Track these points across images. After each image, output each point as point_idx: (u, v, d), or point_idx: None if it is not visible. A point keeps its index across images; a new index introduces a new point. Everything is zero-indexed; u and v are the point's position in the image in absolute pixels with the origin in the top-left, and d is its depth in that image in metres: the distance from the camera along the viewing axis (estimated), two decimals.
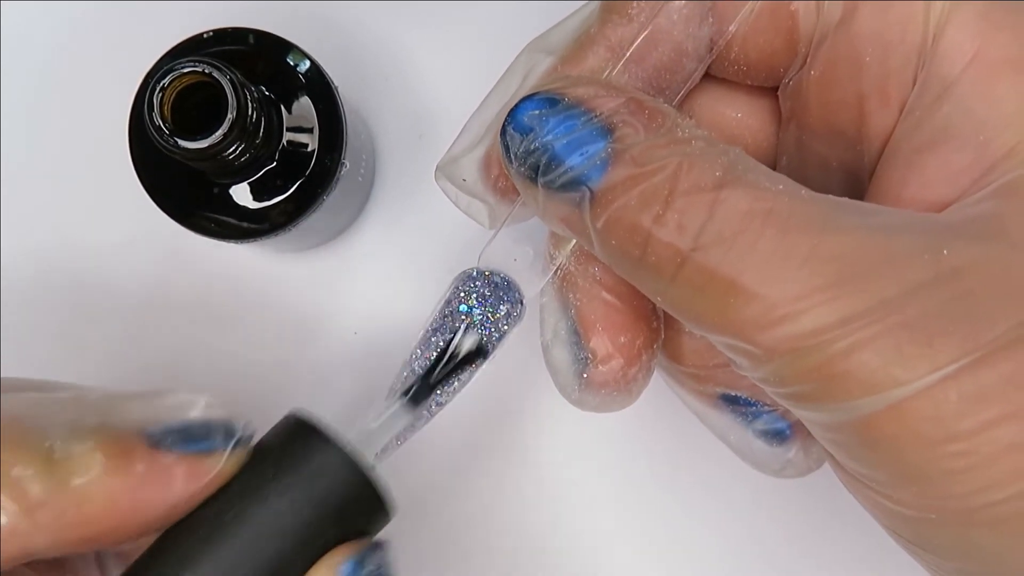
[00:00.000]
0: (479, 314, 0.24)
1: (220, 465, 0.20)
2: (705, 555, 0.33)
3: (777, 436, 0.24)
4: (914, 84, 0.21)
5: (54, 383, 0.24)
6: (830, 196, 0.19)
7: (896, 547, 0.21)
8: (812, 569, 0.33)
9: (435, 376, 0.24)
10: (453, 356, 0.24)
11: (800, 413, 0.19)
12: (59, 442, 0.19)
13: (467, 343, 0.24)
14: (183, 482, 0.20)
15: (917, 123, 0.21)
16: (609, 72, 0.22)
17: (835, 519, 0.32)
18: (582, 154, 0.19)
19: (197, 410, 0.20)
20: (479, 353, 0.24)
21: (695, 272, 0.18)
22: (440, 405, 0.25)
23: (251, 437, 0.21)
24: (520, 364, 0.31)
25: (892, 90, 0.21)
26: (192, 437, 0.20)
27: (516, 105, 0.20)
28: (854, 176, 0.23)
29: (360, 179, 0.33)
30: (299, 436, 0.21)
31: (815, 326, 0.17)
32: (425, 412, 0.25)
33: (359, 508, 0.21)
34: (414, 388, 0.24)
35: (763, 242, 0.18)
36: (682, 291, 0.19)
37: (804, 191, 0.19)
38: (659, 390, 0.26)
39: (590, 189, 0.19)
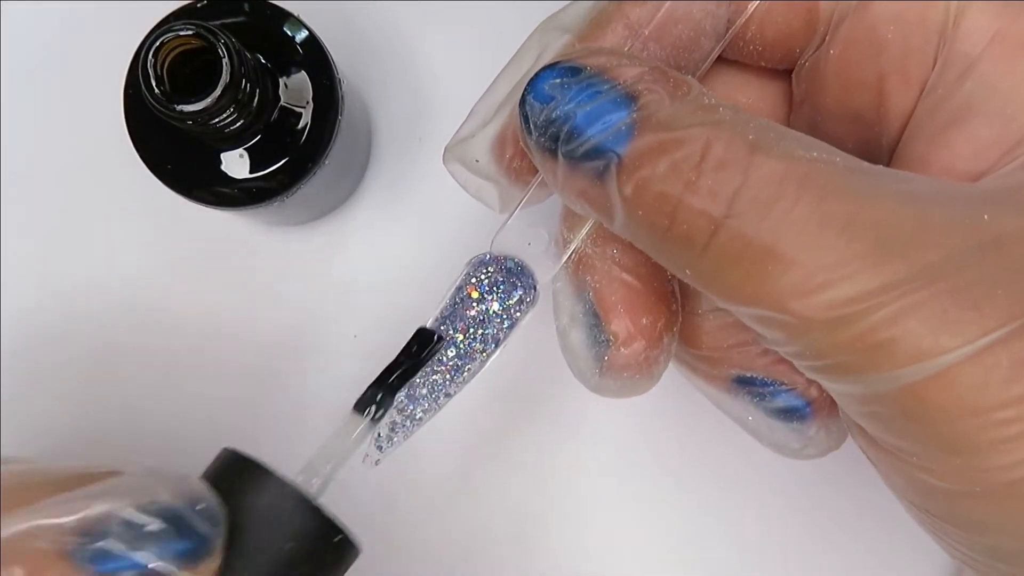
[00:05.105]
0: (492, 300, 0.23)
1: None
2: (719, 547, 0.33)
3: (796, 414, 0.23)
4: (934, 64, 0.21)
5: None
6: (865, 163, 0.19)
7: (910, 538, 0.20)
8: (826, 560, 0.33)
9: (390, 382, 0.22)
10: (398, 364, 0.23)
11: (834, 387, 0.19)
12: None
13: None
14: None
15: (940, 101, 0.21)
16: (628, 49, 0.22)
17: (854, 509, 0.32)
18: (605, 122, 0.19)
19: (132, 513, 0.18)
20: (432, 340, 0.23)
21: (729, 240, 0.18)
22: (449, 396, 0.24)
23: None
24: (533, 352, 0.30)
25: (912, 69, 0.21)
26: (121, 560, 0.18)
27: (537, 74, 0.20)
28: (870, 158, 0.23)
29: (356, 151, 0.33)
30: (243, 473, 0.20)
31: (855, 293, 0.17)
32: (432, 406, 0.24)
33: (318, 543, 0.20)
34: (360, 399, 0.22)
35: (800, 208, 0.17)
36: (714, 261, 0.18)
37: (839, 157, 0.18)
38: (678, 383, 0.26)
39: (617, 155, 0.19)
